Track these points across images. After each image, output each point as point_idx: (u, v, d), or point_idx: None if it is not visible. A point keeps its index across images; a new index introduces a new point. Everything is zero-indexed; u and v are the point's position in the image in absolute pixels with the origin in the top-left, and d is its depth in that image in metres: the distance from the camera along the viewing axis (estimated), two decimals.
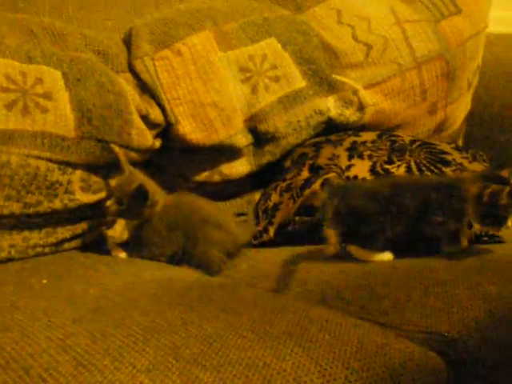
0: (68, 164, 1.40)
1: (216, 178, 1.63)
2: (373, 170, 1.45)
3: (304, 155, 1.61)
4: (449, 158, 1.49)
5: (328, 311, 1.02)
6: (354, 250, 1.28)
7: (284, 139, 1.67)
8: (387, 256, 1.26)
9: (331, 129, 1.72)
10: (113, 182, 1.42)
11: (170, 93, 1.55)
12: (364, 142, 1.55)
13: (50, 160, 1.38)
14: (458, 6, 1.93)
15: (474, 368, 1.00)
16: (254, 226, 1.53)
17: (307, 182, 1.46)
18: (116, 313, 0.98)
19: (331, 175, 1.44)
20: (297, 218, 1.44)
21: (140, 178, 1.38)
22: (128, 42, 1.60)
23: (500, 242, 1.36)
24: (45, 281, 1.18)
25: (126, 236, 1.38)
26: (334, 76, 1.72)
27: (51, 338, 0.88)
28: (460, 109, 1.98)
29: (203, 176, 1.63)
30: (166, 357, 0.82)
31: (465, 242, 1.30)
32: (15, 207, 1.35)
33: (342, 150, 1.52)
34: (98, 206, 1.43)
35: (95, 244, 1.44)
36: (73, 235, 1.45)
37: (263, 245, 1.49)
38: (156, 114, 1.54)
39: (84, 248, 1.44)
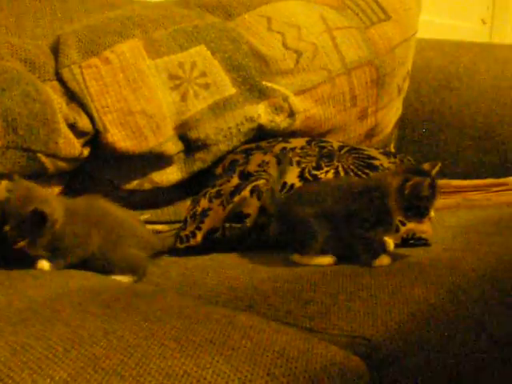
0: None
1: (147, 185, 1.63)
2: (301, 176, 1.46)
3: (235, 162, 1.61)
4: (376, 163, 1.51)
5: (253, 318, 1.02)
6: (296, 257, 1.30)
7: (215, 146, 1.67)
8: (327, 260, 1.28)
9: (263, 135, 1.73)
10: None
11: (99, 101, 1.54)
12: (293, 149, 1.56)
13: None
14: (387, 13, 1.97)
15: (397, 371, 1.00)
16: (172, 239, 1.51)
17: (237, 189, 1.46)
18: (38, 324, 0.96)
19: (260, 182, 1.45)
20: (226, 225, 1.44)
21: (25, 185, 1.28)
22: (56, 49, 1.58)
23: (426, 244, 1.39)
24: None
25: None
26: (264, 83, 1.73)
27: None
28: (391, 114, 2.01)
29: (134, 184, 1.62)
30: (86, 368, 0.81)
31: (391, 246, 1.33)
32: None
33: (271, 157, 1.53)
34: None
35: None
36: None
37: (190, 250, 1.47)
38: (84, 123, 1.52)
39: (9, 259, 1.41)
